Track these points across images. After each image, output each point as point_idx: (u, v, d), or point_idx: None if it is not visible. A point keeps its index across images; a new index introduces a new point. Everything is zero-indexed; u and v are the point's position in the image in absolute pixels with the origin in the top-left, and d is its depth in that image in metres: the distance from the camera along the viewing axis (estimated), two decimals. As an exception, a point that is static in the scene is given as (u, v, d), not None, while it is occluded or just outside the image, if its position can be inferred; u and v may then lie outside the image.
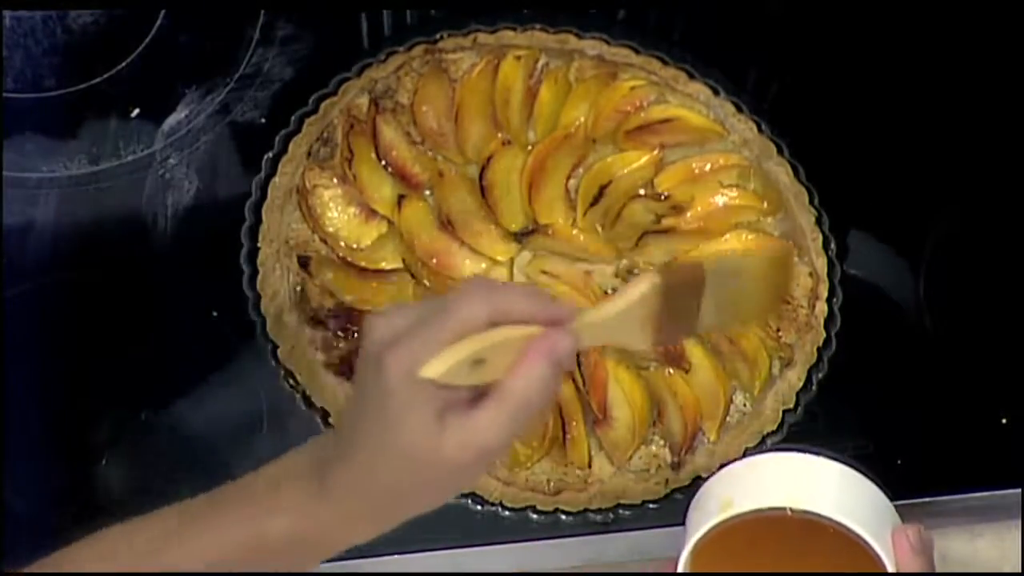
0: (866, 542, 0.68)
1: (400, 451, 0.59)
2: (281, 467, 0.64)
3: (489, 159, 0.99)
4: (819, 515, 0.69)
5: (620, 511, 0.90)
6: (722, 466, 0.78)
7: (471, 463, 0.59)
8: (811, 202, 0.99)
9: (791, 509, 0.69)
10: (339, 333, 0.93)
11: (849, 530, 0.69)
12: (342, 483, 0.60)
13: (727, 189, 0.99)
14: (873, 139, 1.06)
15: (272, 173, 0.96)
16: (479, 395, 0.59)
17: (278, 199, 0.96)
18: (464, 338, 0.58)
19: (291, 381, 0.91)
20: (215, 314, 0.94)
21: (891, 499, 0.76)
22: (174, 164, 1.00)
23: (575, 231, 0.98)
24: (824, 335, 0.96)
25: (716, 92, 1.02)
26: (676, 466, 0.92)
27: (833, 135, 1.05)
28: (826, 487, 0.71)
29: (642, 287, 0.63)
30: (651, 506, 0.90)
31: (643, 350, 0.62)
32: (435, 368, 0.57)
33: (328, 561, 0.85)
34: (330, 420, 0.90)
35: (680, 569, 0.71)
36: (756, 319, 0.72)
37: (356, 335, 0.93)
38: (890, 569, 0.69)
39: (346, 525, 0.62)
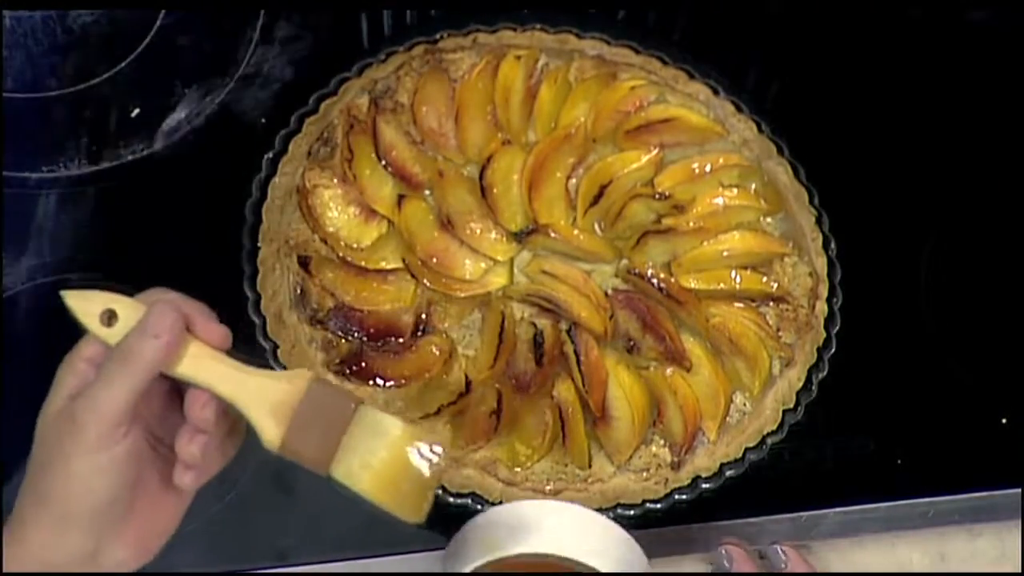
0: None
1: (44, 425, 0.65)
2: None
3: (489, 159, 0.99)
4: (575, 560, 0.72)
5: (620, 510, 0.90)
6: (482, 509, 0.81)
7: (90, 426, 0.63)
8: (811, 202, 0.99)
9: (553, 555, 0.72)
10: (339, 333, 0.93)
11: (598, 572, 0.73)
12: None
13: (727, 189, 0.99)
14: (873, 139, 1.06)
15: (272, 173, 0.96)
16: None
17: (278, 199, 0.96)
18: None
19: (291, 381, 0.91)
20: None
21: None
22: (174, 164, 1.00)
23: (575, 231, 0.98)
24: (824, 335, 0.96)
25: (716, 92, 1.02)
26: (676, 466, 0.92)
27: (833, 135, 1.05)
28: (583, 536, 0.74)
29: (289, 373, 0.67)
30: (651, 506, 0.90)
31: (267, 441, 0.64)
32: (72, 296, 0.65)
33: (329, 562, 0.86)
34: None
35: None
36: (385, 504, 0.65)
37: (356, 335, 0.93)
38: None
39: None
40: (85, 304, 0.66)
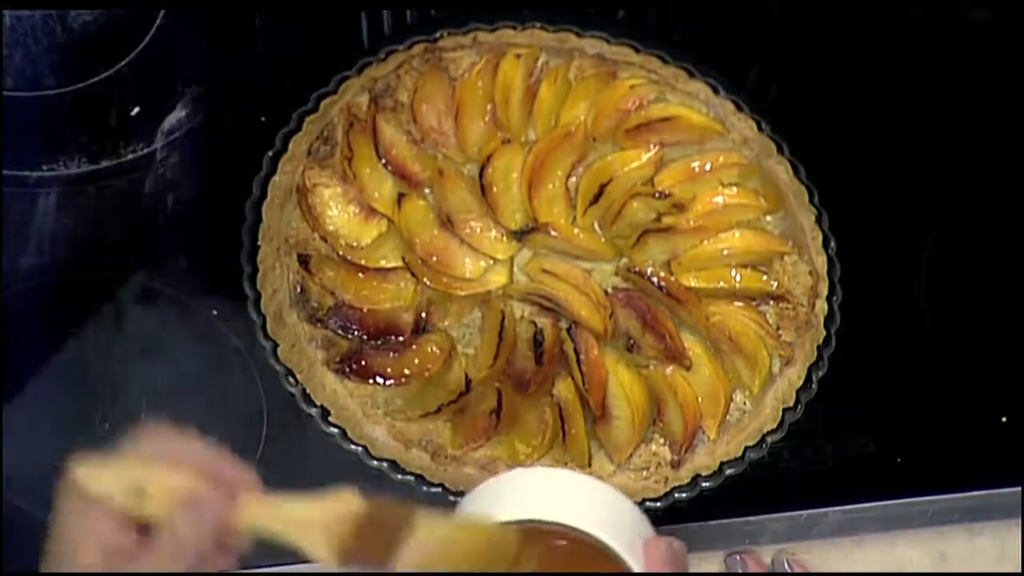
0: (616, 552, 0.68)
1: None
2: None
3: (489, 157, 0.99)
4: (571, 527, 0.68)
5: (620, 510, 0.90)
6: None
7: None
8: (811, 200, 0.99)
9: (544, 521, 0.68)
10: (339, 331, 0.93)
11: (600, 541, 0.68)
12: None
13: (727, 187, 0.99)
14: (873, 137, 1.06)
15: (272, 171, 0.96)
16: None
17: (278, 197, 0.96)
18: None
19: (291, 380, 0.91)
20: (215, 313, 0.94)
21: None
22: (174, 163, 1.00)
23: (575, 229, 0.98)
24: (824, 333, 0.96)
25: (716, 91, 1.02)
26: (676, 464, 0.92)
27: (833, 134, 1.05)
28: (578, 501, 0.71)
29: (335, 506, 0.59)
30: (651, 504, 0.90)
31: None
32: (91, 476, 0.59)
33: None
34: (330, 418, 0.90)
35: None
36: None
37: (356, 333, 0.93)
38: None
39: None
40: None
